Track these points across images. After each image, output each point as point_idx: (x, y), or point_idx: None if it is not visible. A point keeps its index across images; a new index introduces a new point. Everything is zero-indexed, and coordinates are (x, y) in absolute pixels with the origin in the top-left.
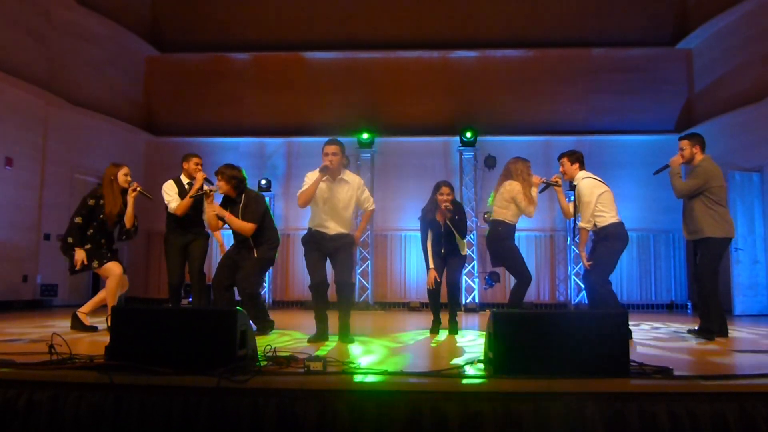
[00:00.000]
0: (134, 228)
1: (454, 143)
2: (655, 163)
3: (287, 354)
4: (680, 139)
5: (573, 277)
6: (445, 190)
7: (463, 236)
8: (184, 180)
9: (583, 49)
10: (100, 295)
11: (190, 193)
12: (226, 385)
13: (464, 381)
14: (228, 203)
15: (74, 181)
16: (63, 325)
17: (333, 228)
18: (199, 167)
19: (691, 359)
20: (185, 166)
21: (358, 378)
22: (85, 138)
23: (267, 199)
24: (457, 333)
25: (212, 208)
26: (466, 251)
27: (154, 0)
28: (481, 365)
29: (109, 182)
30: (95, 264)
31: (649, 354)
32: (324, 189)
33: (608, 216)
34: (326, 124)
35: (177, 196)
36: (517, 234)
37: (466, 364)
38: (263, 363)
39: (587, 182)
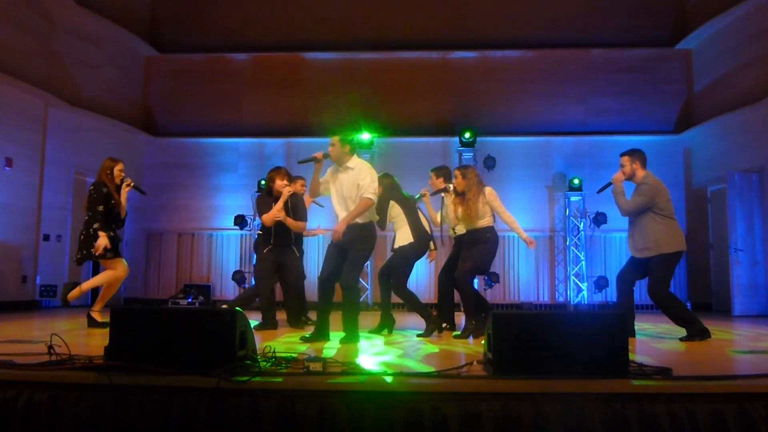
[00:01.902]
0: (124, 219)
1: (454, 144)
2: (654, 164)
3: (287, 354)
4: (621, 155)
5: (572, 277)
6: None
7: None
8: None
9: (583, 49)
10: (103, 286)
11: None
12: (225, 386)
13: (464, 381)
14: (273, 202)
15: (73, 181)
16: (62, 325)
17: (339, 213)
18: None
19: (690, 360)
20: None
21: (357, 378)
22: (84, 138)
23: None
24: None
25: (280, 214)
26: (400, 243)
27: (154, 0)
28: (481, 366)
29: (107, 175)
30: (109, 255)
31: (648, 354)
32: (332, 179)
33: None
34: (325, 124)
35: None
36: (516, 234)
37: (466, 364)
38: (263, 364)
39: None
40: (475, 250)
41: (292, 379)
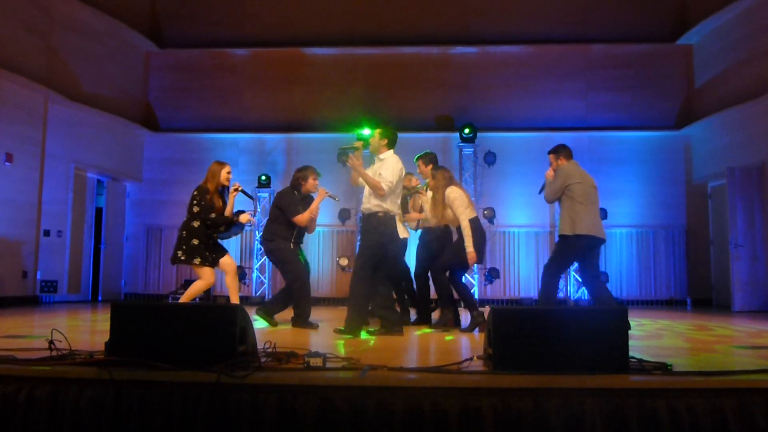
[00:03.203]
0: (231, 225)
1: (454, 139)
2: (654, 160)
3: (287, 350)
4: (548, 153)
5: (572, 273)
6: None
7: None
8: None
9: (583, 45)
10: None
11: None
12: (225, 381)
13: (464, 377)
14: (301, 201)
15: (73, 176)
16: (63, 321)
17: (363, 201)
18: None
19: (690, 355)
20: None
21: (357, 374)
22: (84, 133)
23: (267, 194)
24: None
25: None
26: (403, 234)
27: None
28: (481, 361)
29: (212, 178)
30: (197, 261)
31: (648, 350)
32: (368, 171)
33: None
34: (326, 120)
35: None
36: (516, 230)
37: (466, 360)
38: (263, 359)
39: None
40: (453, 245)
41: (292, 375)
